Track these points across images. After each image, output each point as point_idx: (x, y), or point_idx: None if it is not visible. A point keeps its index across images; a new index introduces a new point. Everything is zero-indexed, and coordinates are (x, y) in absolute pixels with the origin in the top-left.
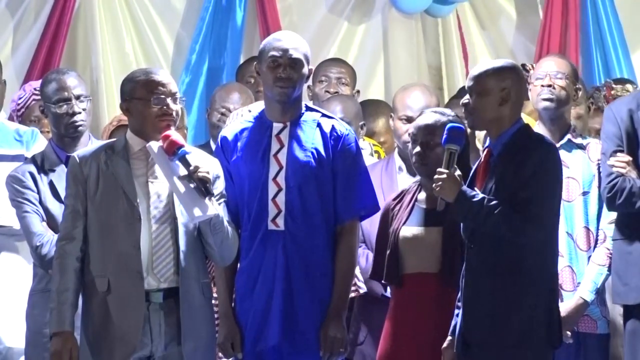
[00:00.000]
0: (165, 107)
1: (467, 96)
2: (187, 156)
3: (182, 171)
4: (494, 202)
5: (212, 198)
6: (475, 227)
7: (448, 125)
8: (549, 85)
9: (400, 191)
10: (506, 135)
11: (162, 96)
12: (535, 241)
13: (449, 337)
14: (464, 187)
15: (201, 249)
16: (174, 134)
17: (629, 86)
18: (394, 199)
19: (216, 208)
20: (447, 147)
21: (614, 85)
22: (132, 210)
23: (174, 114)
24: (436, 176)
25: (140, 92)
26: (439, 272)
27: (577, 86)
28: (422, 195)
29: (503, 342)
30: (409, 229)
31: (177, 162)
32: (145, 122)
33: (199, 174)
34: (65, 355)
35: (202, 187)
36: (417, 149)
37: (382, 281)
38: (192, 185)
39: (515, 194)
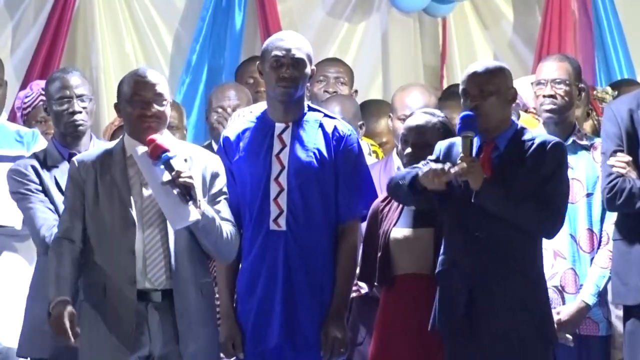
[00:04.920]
0: (143, 109)
1: (474, 100)
2: (171, 161)
3: (167, 176)
4: (516, 194)
5: (197, 203)
6: (502, 215)
7: (461, 114)
8: (551, 96)
9: None
10: (510, 132)
11: (142, 97)
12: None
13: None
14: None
15: (198, 249)
16: (159, 137)
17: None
18: (382, 201)
19: (202, 211)
20: (462, 134)
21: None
22: (127, 215)
23: (156, 116)
24: (459, 161)
25: (125, 93)
26: (431, 273)
27: (580, 85)
28: None
29: (520, 334)
30: (400, 230)
31: (162, 166)
32: (129, 124)
33: (181, 180)
34: (66, 320)
35: (185, 193)
36: (408, 149)
37: (375, 283)
38: (175, 192)
39: (538, 190)
